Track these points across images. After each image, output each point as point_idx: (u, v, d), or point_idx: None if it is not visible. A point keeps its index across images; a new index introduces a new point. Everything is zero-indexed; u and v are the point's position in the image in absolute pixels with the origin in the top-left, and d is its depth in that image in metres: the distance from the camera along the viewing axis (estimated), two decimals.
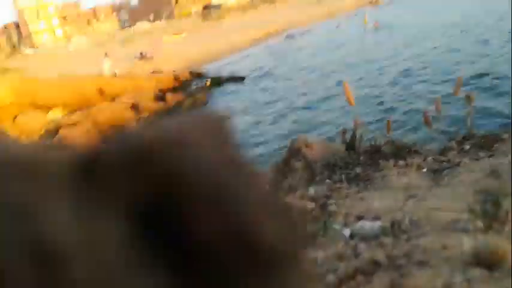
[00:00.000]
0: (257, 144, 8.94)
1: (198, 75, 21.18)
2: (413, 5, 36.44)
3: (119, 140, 0.16)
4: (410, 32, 21.13)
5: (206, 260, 0.15)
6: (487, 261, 0.67)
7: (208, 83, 17.95)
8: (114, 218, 0.14)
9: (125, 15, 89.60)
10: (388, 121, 1.95)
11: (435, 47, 15.85)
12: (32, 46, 56.14)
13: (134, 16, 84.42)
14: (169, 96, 16.32)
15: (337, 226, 0.96)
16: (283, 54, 23.66)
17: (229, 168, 0.16)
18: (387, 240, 0.78)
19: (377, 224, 0.85)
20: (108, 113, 15.22)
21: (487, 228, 0.76)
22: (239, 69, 20.72)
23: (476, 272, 0.66)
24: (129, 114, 15.19)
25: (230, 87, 17.46)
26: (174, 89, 18.26)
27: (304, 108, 11.68)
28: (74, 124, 14.82)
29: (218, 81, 18.15)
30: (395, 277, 0.65)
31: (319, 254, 0.75)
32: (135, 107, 15.70)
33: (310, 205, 1.18)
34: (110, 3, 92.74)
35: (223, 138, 0.17)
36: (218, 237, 0.15)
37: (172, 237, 0.15)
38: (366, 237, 0.82)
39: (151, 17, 71.25)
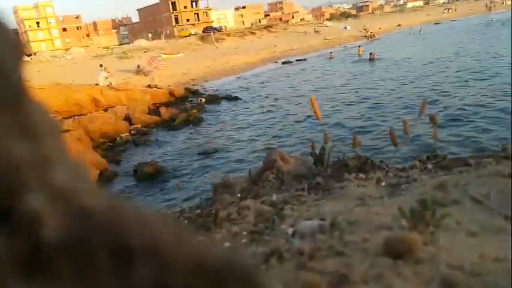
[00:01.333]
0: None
1: (194, 92, 21.44)
2: (396, 41, 39.13)
3: None
4: (397, 63, 23.35)
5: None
6: (394, 252, 0.74)
7: (203, 100, 18.12)
8: None
9: (124, 32, 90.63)
10: (354, 136, 1.98)
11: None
12: (29, 54, 56.19)
13: (134, 33, 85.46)
14: (163, 110, 16.42)
15: (283, 226, 1.04)
16: (277, 78, 24.20)
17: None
18: (321, 236, 0.85)
19: (315, 223, 0.93)
20: (100, 122, 15.14)
21: (411, 228, 0.83)
22: (234, 89, 21.11)
23: (382, 261, 0.74)
24: (122, 124, 15.17)
25: (224, 105, 17.70)
26: (169, 104, 18.44)
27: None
28: (66, 131, 14.68)
29: (213, 99, 18.36)
30: (305, 261, 0.74)
31: (260, 248, 0.84)
32: (128, 118, 15.74)
33: (268, 209, 1.26)
34: (111, 18, 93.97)
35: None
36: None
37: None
38: (304, 235, 0.89)
39: (150, 35, 72.12)
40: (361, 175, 1.42)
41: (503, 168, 1.09)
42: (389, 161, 1.73)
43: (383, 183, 1.32)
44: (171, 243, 0.24)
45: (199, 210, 1.26)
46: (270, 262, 0.77)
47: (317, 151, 1.77)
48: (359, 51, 29.48)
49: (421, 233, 0.79)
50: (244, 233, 0.99)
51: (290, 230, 0.93)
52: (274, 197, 1.30)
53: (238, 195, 1.74)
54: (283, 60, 33.81)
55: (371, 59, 25.87)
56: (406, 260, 0.72)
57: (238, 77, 26.85)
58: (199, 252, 0.25)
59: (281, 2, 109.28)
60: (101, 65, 24.99)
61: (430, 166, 1.47)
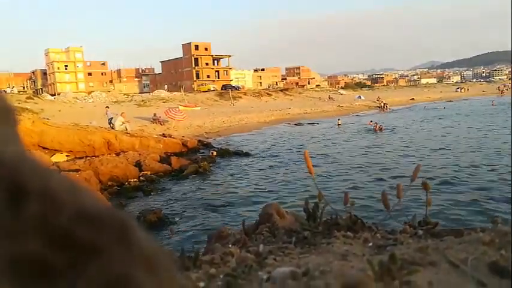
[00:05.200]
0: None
1: (206, 145, 21.74)
2: (408, 114, 39.84)
3: None
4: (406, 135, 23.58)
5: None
6: None
7: (214, 153, 18.30)
8: None
9: (146, 81, 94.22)
10: (346, 194, 1.96)
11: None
12: (54, 94, 58.38)
13: (155, 83, 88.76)
14: (174, 160, 16.55)
15: (261, 273, 1.05)
16: (287, 138, 24.59)
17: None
18: (289, 282, 0.86)
19: (288, 269, 0.93)
20: (111, 165, 15.25)
21: (378, 280, 0.83)
22: (245, 145, 21.40)
23: None
24: (132, 170, 15.25)
25: (234, 159, 17.84)
26: (180, 154, 18.64)
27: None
28: (76, 170, 14.81)
29: (224, 153, 18.55)
30: None
31: None
32: (138, 164, 15.85)
33: (251, 257, 1.28)
34: (135, 67, 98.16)
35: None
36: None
37: None
38: (275, 280, 0.91)
39: (170, 87, 74.69)
40: (349, 234, 1.42)
41: (484, 236, 1.09)
42: (383, 223, 1.72)
43: (370, 244, 1.32)
44: (62, 190, 0.29)
45: (180, 252, 1.27)
46: None
47: (310, 208, 1.78)
48: (368, 123, 30.04)
49: (386, 284, 0.78)
50: (221, 276, 0.99)
51: (264, 276, 0.93)
52: (261, 247, 1.30)
53: (230, 245, 1.74)
54: (296, 122, 34.53)
55: (376, 130, 26.35)
56: None
57: (250, 135, 27.27)
58: (85, 201, 0.30)
59: (298, 68, 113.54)
60: (107, 107, 26.40)
61: (420, 232, 1.47)
